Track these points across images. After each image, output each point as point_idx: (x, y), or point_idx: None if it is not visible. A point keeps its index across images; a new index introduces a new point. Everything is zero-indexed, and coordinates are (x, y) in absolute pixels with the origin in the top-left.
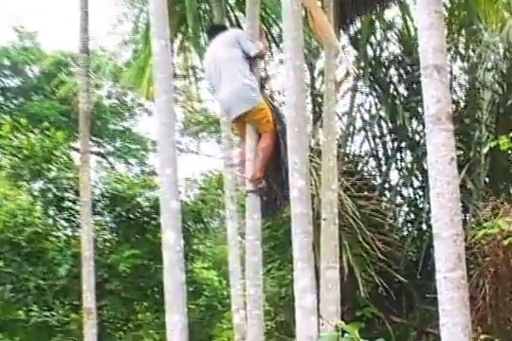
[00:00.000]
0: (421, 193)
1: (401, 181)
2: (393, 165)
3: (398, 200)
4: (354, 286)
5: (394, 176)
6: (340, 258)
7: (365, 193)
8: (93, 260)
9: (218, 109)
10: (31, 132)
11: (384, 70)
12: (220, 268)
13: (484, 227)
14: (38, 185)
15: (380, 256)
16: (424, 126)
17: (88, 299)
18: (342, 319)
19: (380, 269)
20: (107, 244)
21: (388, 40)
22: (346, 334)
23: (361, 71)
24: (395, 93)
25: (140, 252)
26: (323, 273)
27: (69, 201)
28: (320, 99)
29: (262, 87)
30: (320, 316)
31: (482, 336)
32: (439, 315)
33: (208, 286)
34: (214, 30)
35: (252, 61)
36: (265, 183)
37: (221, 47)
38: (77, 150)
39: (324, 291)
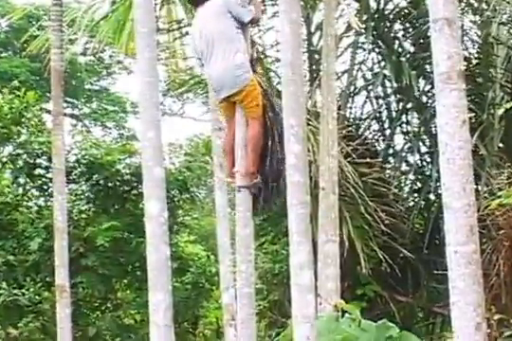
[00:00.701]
0: (429, 160)
1: (407, 146)
2: (398, 128)
3: (404, 167)
4: (355, 262)
5: (399, 141)
6: (340, 231)
7: (367, 160)
8: (67, 233)
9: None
10: None
11: (388, 24)
12: (208, 242)
13: (499, 197)
14: (7, 150)
15: (384, 228)
16: (432, 85)
17: (62, 276)
18: (342, 298)
19: (384, 243)
20: (83, 216)
21: None
22: (346, 314)
23: (363, 25)
24: (401, 49)
25: (120, 224)
26: (322, 247)
27: (41, 168)
28: (317, 57)
29: (252, 64)
30: (317, 295)
31: (496, 316)
32: (448, 294)
33: (194, 262)
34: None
35: (245, 27)
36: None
37: (210, 18)
38: (49, 112)
39: (323, 267)
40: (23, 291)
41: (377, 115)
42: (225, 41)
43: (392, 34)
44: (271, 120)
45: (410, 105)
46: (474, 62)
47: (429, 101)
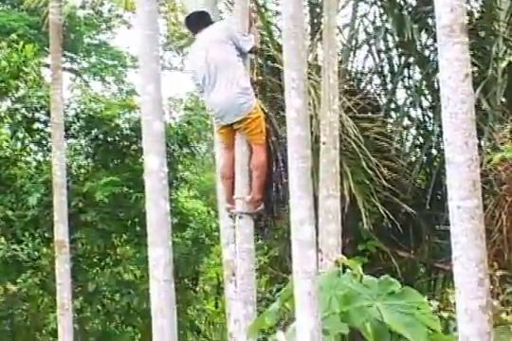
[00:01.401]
0: (431, 114)
1: (409, 101)
2: (400, 83)
3: (406, 122)
4: (356, 217)
5: (401, 95)
6: (341, 186)
7: (369, 114)
8: (66, 188)
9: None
10: None
11: None
12: (208, 197)
13: (502, 151)
14: (5, 104)
15: (385, 184)
16: (435, 39)
17: (61, 231)
18: (343, 254)
19: (385, 198)
20: (82, 171)
21: None
22: (348, 270)
23: None
24: (403, 2)
25: (119, 179)
26: (323, 202)
27: (40, 122)
28: (318, 10)
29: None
30: (318, 250)
31: (498, 272)
32: (450, 249)
33: (194, 217)
34: (196, 20)
35: (244, 55)
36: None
37: (213, 46)
38: (48, 66)
39: (324, 222)
40: (21, 246)
41: (379, 69)
42: (228, 68)
43: None
44: (274, 145)
45: (411, 59)
46: (477, 15)
47: (432, 56)
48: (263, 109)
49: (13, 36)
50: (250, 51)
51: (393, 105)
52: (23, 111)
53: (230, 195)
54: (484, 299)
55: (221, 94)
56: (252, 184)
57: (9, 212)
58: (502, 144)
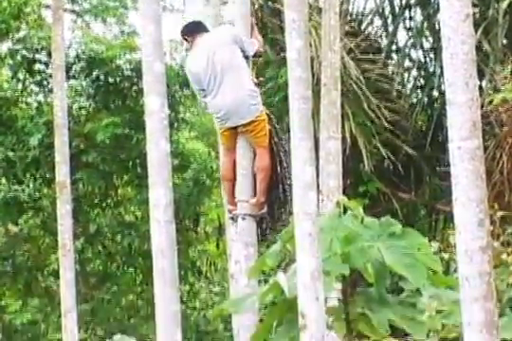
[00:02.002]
0: (432, 56)
1: (410, 42)
2: (401, 24)
3: (407, 63)
4: (357, 159)
5: (402, 37)
6: (343, 127)
7: (370, 56)
8: (67, 129)
9: None
10: None
11: None
12: (209, 138)
13: (503, 91)
14: (6, 45)
15: (386, 125)
16: None
17: (62, 172)
18: (344, 195)
19: (386, 140)
20: (83, 112)
21: None
22: (348, 211)
23: None
24: None
25: (120, 120)
26: (324, 144)
27: (41, 63)
28: None
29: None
30: (319, 192)
31: (499, 213)
32: (451, 191)
33: (195, 158)
34: (193, 27)
35: (248, 59)
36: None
37: (217, 49)
38: (48, 7)
39: (324, 164)
40: (22, 187)
41: (380, 10)
42: (234, 70)
43: None
44: (277, 146)
45: (413, 0)
46: None
47: None
48: (266, 111)
49: None
50: (254, 55)
51: (394, 47)
52: (23, 52)
53: (232, 197)
54: (484, 240)
55: (227, 96)
56: (257, 186)
57: (10, 153)
58: (503, 85)
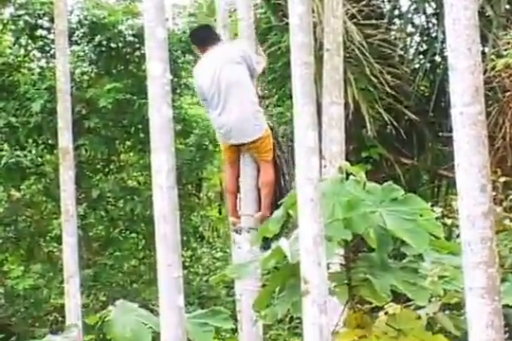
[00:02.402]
0: (435, 21)
1: (413, 7)
2: None
3: (409, 29)
4: (360, 124)
5: (405, 2)
6: (345, 93)
7: (372, 21)
8: (70, 95)
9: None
10: None
11: None
12: None
13: (506, 56)
14: (8, 11)
15: (389, 90)
16: None
17: (65, 138)
18: (347, 161)
19: (389, 105)
20: (85, 77)
21: None
22: (351, 177)
23: None
24: None
25: (123, 86)
26: (326, 109)
27: (43, 29)
28: None
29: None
30: (322, 157)
31: (501, 179)
32: (453, 156)
33: (197, 124)
34: (203, 36)
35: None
36: None
37: (226, 66)
38: None
39: (327, 129)
40: (25, 153)
41: None
42: (241, 89)
43: None
44: (280, 159)
45: None
46: None
47: None
48: (268, 124)
49: None
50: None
51: (396, 12)
52: (26, 17)
53: (235, 209)
54: (486, 205)
55: (232, 115)
56: (262, 201)
57: (13, 119)
58: (505, 50)
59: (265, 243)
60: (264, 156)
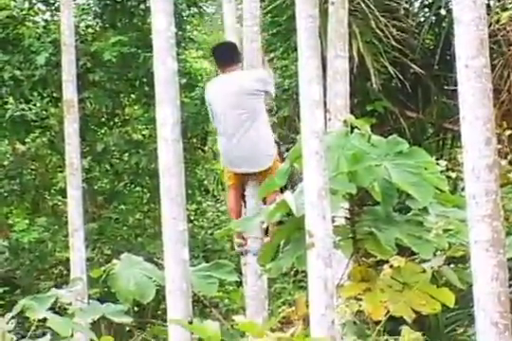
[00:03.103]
0: None
1: None
2: None
3: None
4: (364, 78)
5: None
6: (350, 46)
7: None
8: (74, 48)
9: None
10: None
11: None
12: None
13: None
14: None
15: (394, 44)
16: None
17: (69, 91)
18: (351, 114)
19: (394, 59)
20: (90, 31)
21: None
22: (356, 130)
23: None
24: None
25: (127, 39)
26: (331, 62)
27: None
28: None
29: None
30: (326, 111)
31: (507, 132)
32: (458, 110)
33: (202, 77)
34: (226, 55)
35: None
36: None
37: (246, 94)
38: None
39: (332, 82)
40: (30, 106)
41: None
42: (255, 118)
43: None
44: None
45: None
46: None
47: None
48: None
49: None
50: None
51: None
52: None
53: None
54: (491, 158)
55: (246, 144)
56: (269, 225)
57: (17, 72)
58: (510, 3)
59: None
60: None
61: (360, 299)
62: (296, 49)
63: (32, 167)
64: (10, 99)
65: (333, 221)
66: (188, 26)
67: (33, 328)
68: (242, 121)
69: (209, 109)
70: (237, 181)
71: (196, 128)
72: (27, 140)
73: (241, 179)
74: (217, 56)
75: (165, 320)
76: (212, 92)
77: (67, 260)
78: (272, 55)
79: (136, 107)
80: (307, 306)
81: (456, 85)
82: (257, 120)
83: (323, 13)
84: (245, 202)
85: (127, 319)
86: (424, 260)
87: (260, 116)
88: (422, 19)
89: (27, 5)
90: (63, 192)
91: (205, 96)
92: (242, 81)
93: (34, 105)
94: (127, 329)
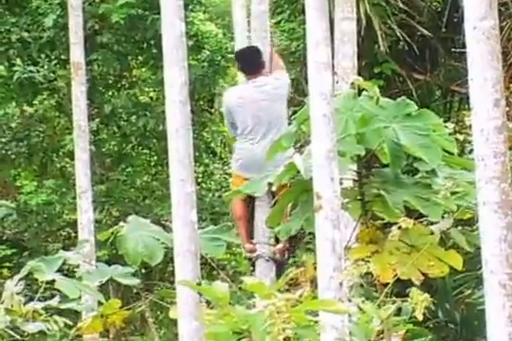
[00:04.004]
0: None
1: None
2: None
3: None
4: (372, 40)
5: None
6: (358, 8)
7: None
8: (82, 10)
9: None
10: None
11: None
12: (223, 19)
13: None
14: None
15: (402, 6)
16: None
17: (77, 53)
18: (359, 76)
19: (402, 21)
20: None
21: None
22: (364, 93)
23: None
24: None
25: (135, 1)
26: (338, 24)
27: None
28: None
29: None
30: (334, 73)
31: None
32: (466, 72)
33: (210, 40)
34: (250, 61)
35: None
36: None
37: (273, 101)
38: None
39: (339, 45)
40: (37, 68)
41: None
42: (283, 122)
43: None
44: None
45: None
46: None
47: None
48: None
49: None
50: None
51: None
52: None
53: (248, 236)
54: (499, 120)
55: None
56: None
57: (25, 34)
58: None
59: None
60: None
61: (368, 262)
62: (303, 12)
63: (40, 129)
64: (18, 61)
65: (341, 183)
66: None
67: (41, 290)
68: (271, 127)
69: (227, 116)
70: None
71: (203, 90)
72: (34, 102)
73: None
74: (242, 63)
75: (173, 282)
76: (236, 99)
77: (75, 222)
78: (280, 17)
79: (143, 69)
80: (315, 268)
81: (464, 47)
82: (283, 125)
83: None
84: (252, 210)
85: (135, 281)
86: (432, 223)
87: (285, 120)
88: None
89: None
90: (70, 154)
91: (225, 103)
92: (270, 88)
93: (42, 67)
94: (135, 291)
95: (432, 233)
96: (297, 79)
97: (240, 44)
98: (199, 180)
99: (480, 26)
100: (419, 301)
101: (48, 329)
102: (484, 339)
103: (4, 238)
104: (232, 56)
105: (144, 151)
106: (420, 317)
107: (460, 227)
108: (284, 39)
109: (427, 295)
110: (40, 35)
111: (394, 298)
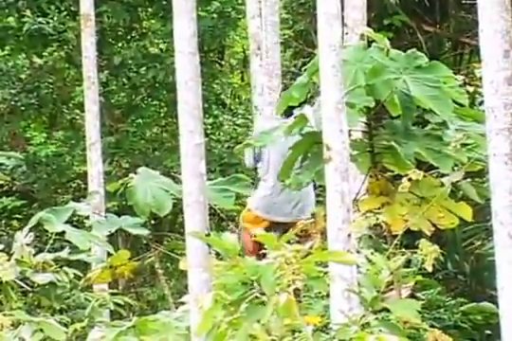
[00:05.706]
0: None
1: None
2: None
3: None
4: None
5: None
6: None
7: None
8: None
9: None
10: None
11: None
12: None
13: None
14: None
15: None
16: None
17: (87, 5)
18: (369, 28)
19: None
20: None
21: None
22: (374, 44)
23: None
24: None
25: None
26: None
27: None
28: None
29: None
30: (344, 25)
31: None
32: (477, 24)
33: None
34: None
35: None
36: None
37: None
38: None
39: None
40: (47, 19)
41: None
42: None
43: None
44: None
45: None
46: None
47: None
48: None
49: None
50: None
51: None
52: None
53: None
54: (509, 71)
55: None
56: None
57: None
58: None
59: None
60: None
61: (378, 213)
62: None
63: (50, 81)
64: (28, 13)
65: (350, 135)
66: None
67: (51, 241)
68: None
69: (260, 152)
70: (265, 228)
71: (213, 42)
72: (44, 54)
73: (269, 227)
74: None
75: (182, 234)
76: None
77: (85, 173)
78: None
79: (153, 21)
80: (325, 220)
81: (475, 3)
82: None
83: None
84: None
85: (144, 232)
86: (442, 175)
87: None
88: None
89: None
90: (80, 106)
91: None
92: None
93: (51, 19)
94: (144, 242)
95: (443, 185)
96: (306, 30)
97: None
98: (208, 131)
99: None
100: (429, 253)
101: (58, 280)
102: (493, 291)
103: (13, 189)
104: (242, 7)
105: (154, 102)
106: (429, 269)
107: (470, 179)
108: None
109: (436, 246)
110: None
111: (404, 250)
